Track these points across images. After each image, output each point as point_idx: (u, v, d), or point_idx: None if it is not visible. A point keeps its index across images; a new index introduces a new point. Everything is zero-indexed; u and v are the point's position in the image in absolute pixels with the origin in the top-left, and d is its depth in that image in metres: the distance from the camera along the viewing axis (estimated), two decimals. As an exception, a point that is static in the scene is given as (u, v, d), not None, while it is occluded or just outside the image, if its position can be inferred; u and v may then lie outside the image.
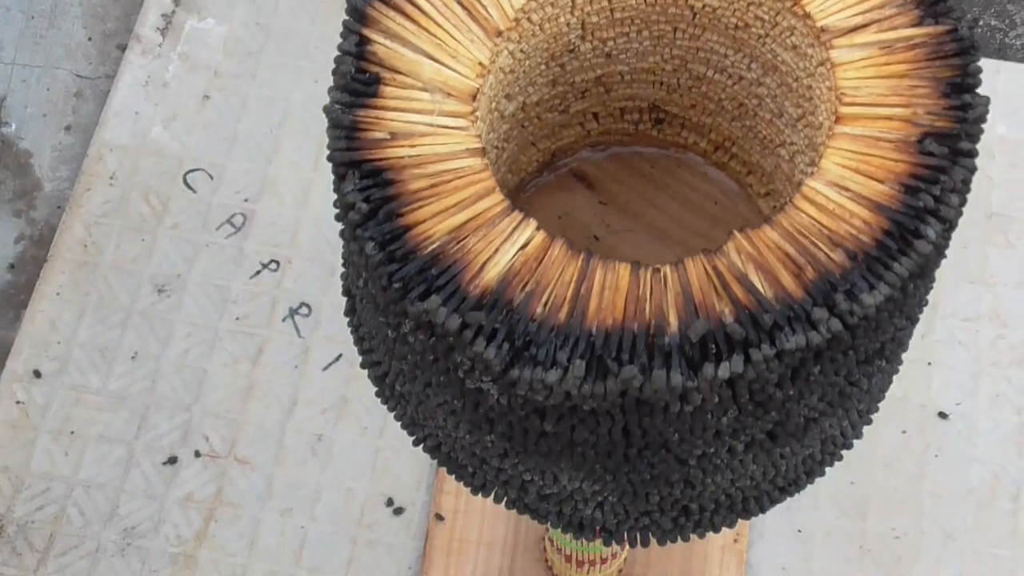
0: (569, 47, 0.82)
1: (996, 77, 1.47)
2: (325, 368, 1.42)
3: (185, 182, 1.53)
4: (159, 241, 1.50)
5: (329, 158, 0.71)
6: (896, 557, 1.30)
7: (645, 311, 0.66)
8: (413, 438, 0.82)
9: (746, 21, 0.79)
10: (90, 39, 1.67)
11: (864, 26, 0.73)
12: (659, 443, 0.69)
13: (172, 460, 1.36)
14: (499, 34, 0.75)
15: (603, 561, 1.19)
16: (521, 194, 0.90)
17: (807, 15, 0.74)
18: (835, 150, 0.70)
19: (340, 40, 0.73)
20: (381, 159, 0.70)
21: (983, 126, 0.69)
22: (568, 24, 0.80)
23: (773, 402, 0.68)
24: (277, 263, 1.48)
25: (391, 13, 0.73)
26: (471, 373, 0.67)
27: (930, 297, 0.76)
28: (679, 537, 0.78)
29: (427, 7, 0.74)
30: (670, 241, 0.89)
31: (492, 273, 0.67)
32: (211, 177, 1.54)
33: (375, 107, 0.71)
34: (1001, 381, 1.39)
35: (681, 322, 0.65)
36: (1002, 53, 1.56)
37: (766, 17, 0.77)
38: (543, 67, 0.82)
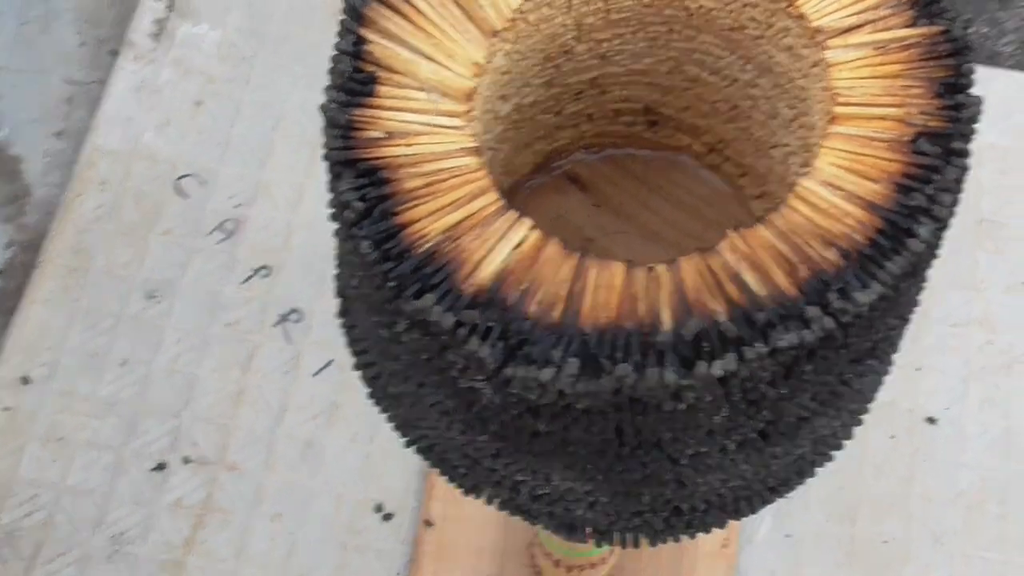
0: (564, 48, 0.82)
1: (987, 84, 1.47)
2: (316, 374, 1.42)
3: (177, 188, 1.53)
4: (150, 247, 1.50)
5: (325, 157, 0.71)
6: (885, 561, 1.30)
7: (639, 310, 0.66)
8: (405, 439, 0.82)
9: (741, 22, 0.79)
10: (82, 44, 1.68)
11: (858, 27, 0.73)
12: (652, 442, 0.69)
13: (161, 466, 1.36)
14: (495, 34, 0.75)
15: (592, 566, 1.19)
16: (515, 196, 0.90)
17: (802, 16, 0.74)
18: (829, 150, 0.70)
19: (337, 40, 0.73)
20: (377, 158, 0.70)
21: (976, 126, 0.70)
22: (564, 25, 0.80)
23: (766, 401, 0.68)
24: (268, 269, 1.48)
25: (388, 13, 0.74)
26: (465, 372, 0.67)
27: (920, 302, 0.77)
28: (670, 538, 0.78)
29: (424, 7, 0.74)
30: (663, 243, 0.89)
31: (487, 272, 0.67)
32: (203, 183, 1.54)
33: (371, 106, 0.71)
34: (990, 386, 1.39)
35: (675, 320, 0.65)
36: (992, 60, 1.57)
37: (761, 18, 0.77)
38: (538, 68, 0.82)
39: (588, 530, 0.78)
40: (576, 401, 0.66)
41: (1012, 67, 1.61)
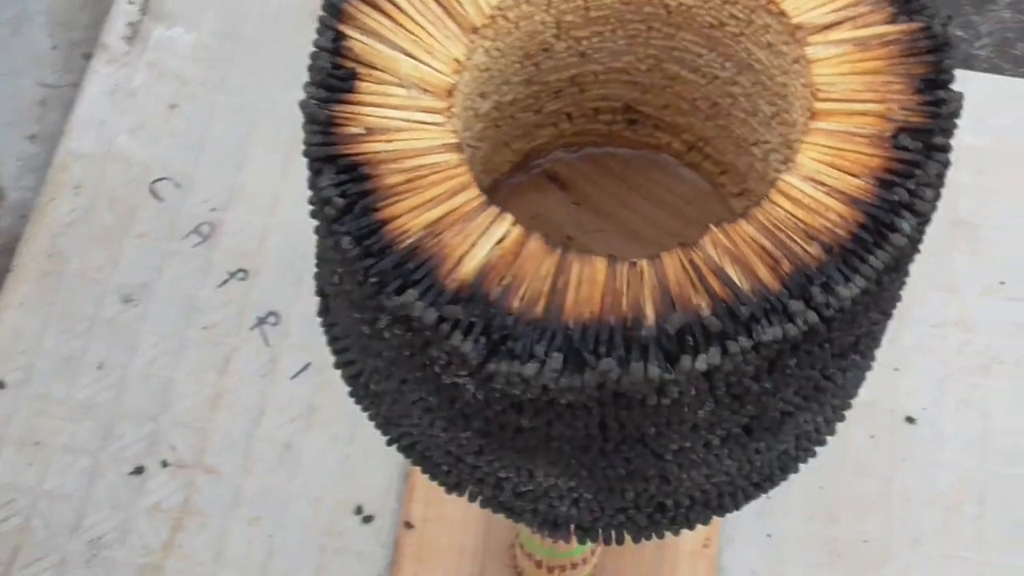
0: (544, 46, 0.82)
1: (963, 87, 1.48)
2: (293, 376, 1.41)
3: (152, 191, 1.52)
4: (125, 250, 1.49)
5: (305, 153, 0.71)
6: (866, 561, 1.31)
7: (622, 304, 0.66)
8: (387, 438, 0.81)
9: (721, 19, 0.79)
10: (55, 48, 1.67)
11: (839, 23, 0.73)
12: (636, 437, 0.69)
13: (139, 470, 1.35)
14: (475, 31, 0.75)
15: (573, 567, 1.19)
16: (494, 195, 0.90)
17: (782, 13, 0.74)
18: (810, 145, 0.70)
19: (316, 36, 0.73)
20: (357, 154, 0.70)
21: (957, 121, 0.70)
22: (543, 22, 0.80)
23: (750, 395, 0.68)
24: (245, 272, 1.47)
25: (367, 9, 0.73)
26: (448, 368, 0.67)
27: (902, 297, 0.77)
28: (654, 534, 0.78)
29: (404, 3, 0.74)
30: (643, 241, 0.89)
31: (469, 267, 0.67)
32: (178, 186, 1.53)
33: (351, 102, 0.71)
34: (967, 387, 1.40)
35: (658, 315, 0.65)
36: (967, 63, 1.58)
37: (741, 15, 0.77)
38: (518, 66, 0.82)
39: (572, 527, 0.77)
40: (560, 396, 0.65)
41: (987, 70, 1.62)
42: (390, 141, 0.71)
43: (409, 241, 0.68)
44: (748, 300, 0.65)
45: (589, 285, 0.67)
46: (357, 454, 1.36)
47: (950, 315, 1.43)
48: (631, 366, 0.64)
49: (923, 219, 0.68)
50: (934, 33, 0.72)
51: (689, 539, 1.28)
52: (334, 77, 0.72)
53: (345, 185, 0.69)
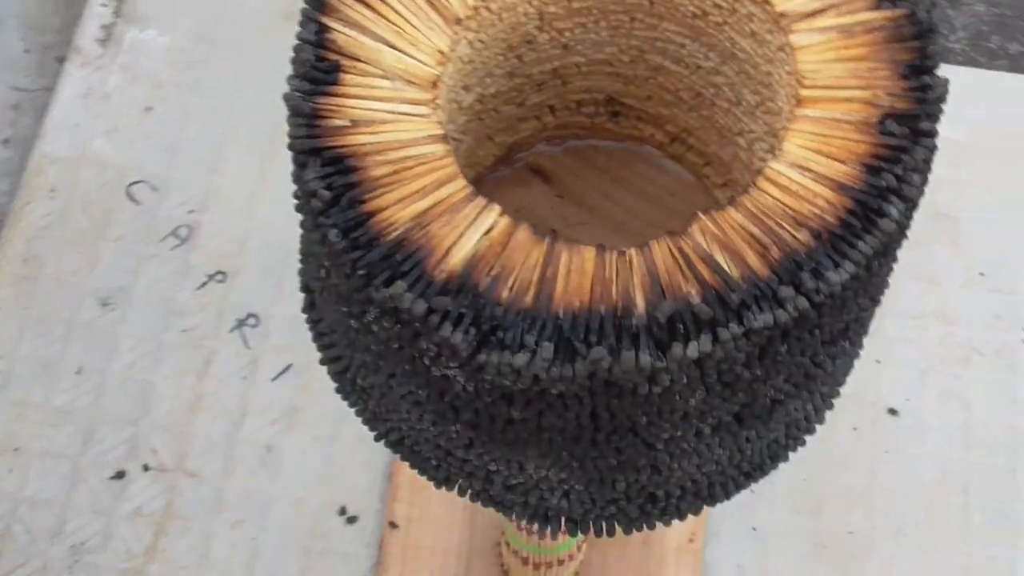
0: (527, 38, 0.82)
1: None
2: (274, 378, 1.40)
3: (128, 194, 1.51)
4: (102, 254, 1.48)
5: (290, 146, 0.70)
6: (851, 553, 1.31)
7: (612, 293, 0.66)
8: (375, 433, 0.81)
9: (704, 9, 0.79)
10: (27, 51, 1.65)
11: (823, 10, 0.73)
12: (627, 427, 0.68)
13: (120, 475, 1.34)
14: (458, 22, 0.74)
15: (560, 563, 1.18)
16: (478, 188, 0.89)
17: (766, 1, 0.74)
18: (796, 133, 0.70)
19: (299, 29, 0.73)
20: (342, 146, 0.69)
21: (943, 106, 0.70)
22: (526, 14, 0.80)
23: (741, 383, 0.67)
24: (224, 274, 1.46)
25: (350, 1, 0.73)
26: (437, 360, 0.67)
27: (889, 284, 0.77)
28: (645, 525, 0.78)
29: (386, -6, 0.73)
30: (628, 233, 0.88)
31: (457, 258, 0.67)
32: (154, 189, 1.52)
33: (335, 95, 0.71)
34: (949, 378, 1.40)
35: (648, 303, 0.65)
36: (943, 57, 1.58)
37: (724, 4, 0.77)
38: (501, 58, 0.81)
39: (563, 519, 0.77)
40: (551, 386, 0.65)
41: (962, 63, 1.63)
42: (375, 133, 0.70)
43: (396, 233, 0.67)
44: (738, 287, 0.65)
45: (578, 274, 0.67)
46: (339, 455, 1.35)
47: (931, 307, 1.43)
48: (622, 354, 0.64)
49: (911, 204, 0.68)
50: (918, 19, 0.72)
51: (675, 534, 1.28)
52: (318, 70, 0.71)
53: (331, 178, 0.68)
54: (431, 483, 0.81)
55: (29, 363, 1.40)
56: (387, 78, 0.72)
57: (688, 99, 0.86)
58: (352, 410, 0.82)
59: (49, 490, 1.33)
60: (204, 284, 1.46)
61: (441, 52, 0.74)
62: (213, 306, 1.44)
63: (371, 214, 0.68)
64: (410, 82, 0.72)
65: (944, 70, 0.73)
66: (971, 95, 1.54)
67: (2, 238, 1.48)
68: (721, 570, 1.30)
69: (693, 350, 0.64)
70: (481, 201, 0.69)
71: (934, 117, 0.69)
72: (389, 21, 0.73)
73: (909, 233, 0.72)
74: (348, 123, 0.70)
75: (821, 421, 0.80)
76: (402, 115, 0.71)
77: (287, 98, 0.70)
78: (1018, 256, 1.48)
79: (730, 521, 1.32)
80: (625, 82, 0.87)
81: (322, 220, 0.67)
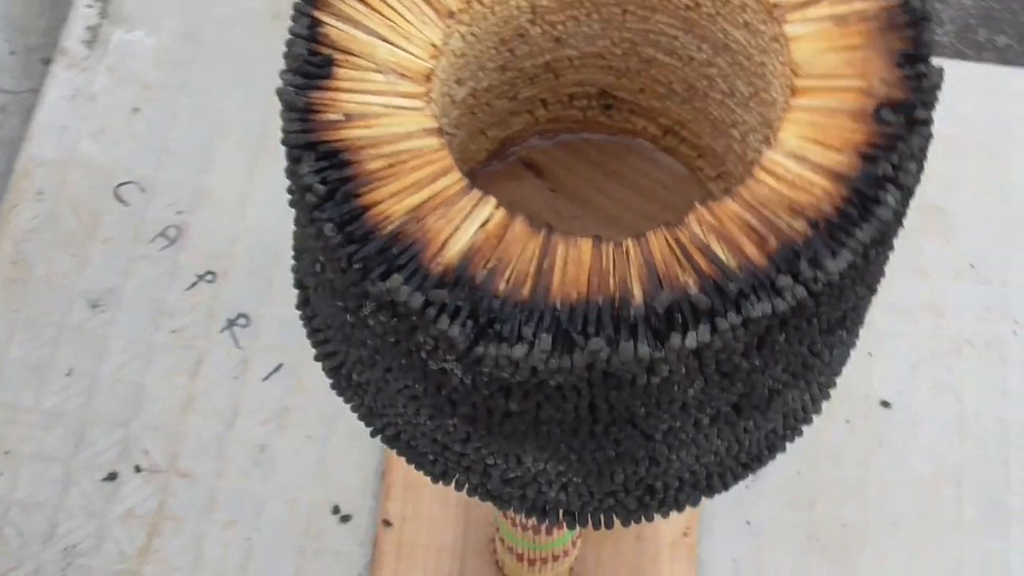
0: (519, 31, 0.81)
1: (924, 73, 1.49)
2: (265, 378, 1.40)
3: (116, 195, 1.51)
4: (91, 256, 1.47)
5: (283, 141, 0.70)
6: (845, 545, 1.31)
7: (609, 284, 0.66)
8: (371, 429, 0.80)
9: (696, 0, 0.79)
10: (13, 53, 1.65)
11: (816, 0, 0.73)
12: (625, 418, 0.68)
13: (112, 476, 1.33)
14: (451, 15, 0.74)
15: (555, 559, 1.18)
16: (471, 183, 0.89)
17: (758, -9, 0.74)
18: (792, 123, 0.70)
19: (291, 24, 0.72)
20: (337, 140, 0.69)
21: (938, 94, 0.70)
22: (518, 7, 0.79)
23: (739, 373, 0.67)
24: (213, 274, 1.46)
25: (342, -6, 0.73)
26: (434, 353, 0.67)
27: (886, 272, 0.77)
28: (644, 517, 0.77)
29: (379, -12, 0.73)
30: (621, 226, 0.88)
31: (454, 251, 0.67)
32: (143, 190, 1.51)
33: (329, 88, 0.71)
34: (941, 370, 1.40)
35: (646, 294, 0.65)
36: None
37: (717, -5, 0.77)
38: (493, 51, 0.81)
39: (560, 512, 0.77)
40: (549, 378, 0.65)
41: (950, 56, 1.63)
42: (369, 127, 0.70)
43: (392, 226, 0.67)
44: (736, 277, 0.65)
45: (575, 266, 0.66)
46: (332, 454, 1.35)
47: (921, 300, 1.43)
48: (621, 345, 0.63)
49: (907, 192, 0.68)
50: (912, 7, 0.72)
51: (669, 529, 1.28)
52: (311, 64, 0.71)
53: (325, 172, 0.68)
54: (427, 479, 0.80)
55: (19, 366, 1.39)
56: (380, 72, 0.72)
57: (681, 91, 0.86)
58: (347, 407, 0.82)
59: (41, 493, 1.32)
60: (194, 284, 1.45)
61: (434, 46, 0.73)
62: (203, 306, 1.44)
63: (366, 208, 0.67)
64: (403, 76, 0.72)
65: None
66: (959, 88, 1.54)
67: (-10, 241, 1.47)
68: (716, 564, 1.30)
69: (692, 340, 0.64)
70: (476, 194, 0.69)
71: (929, 105, 0.69)
72: (381, 15, 0.73)
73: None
74: (342, 117, 0.70)
75: (818, 411, 0.80)
76: (396, 109, 0.71)
77: (280, 93, 0.70)
78: (1007, 248, 1.48)
79: (724, 515, 1.32)
80: (618, 75, 0.87)
81: (317, 215, 0.67)
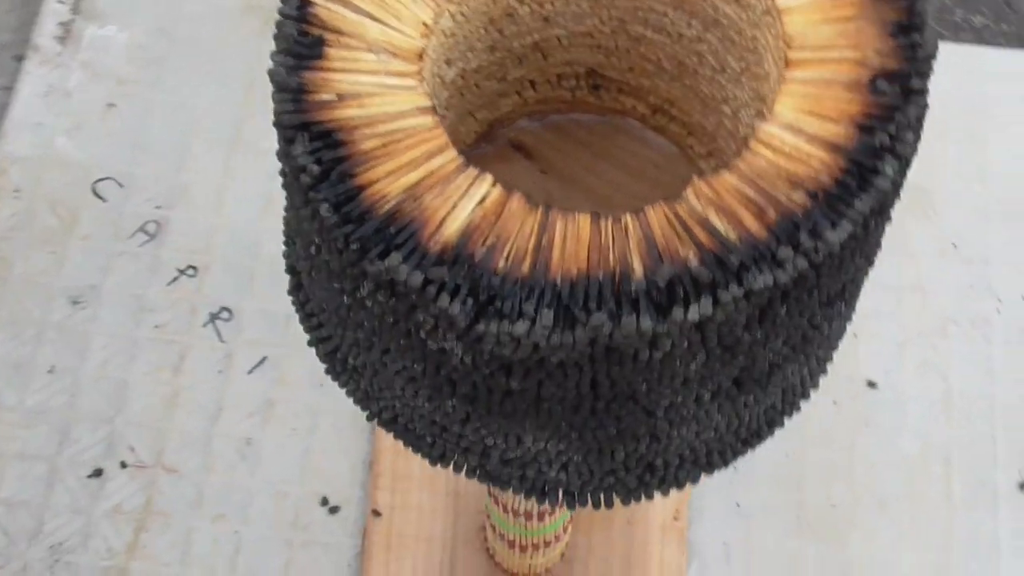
0: (508, 10, 0.81)
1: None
2: (250, 371, 1.39)
3: (94, 192, 1.49)
4: (70, 253, 1.46)
5: (276, 123, 0.69)
6: (833, 526, 1.31)
7: (609, 259, 0.65)
8: (367, 413, 0.80)
9: (686, -25, 0.78)
10: (-15, 50, 1.63)
11: (807, -28, 0.73)
12: (627, 394, 0.68)
13: (97, 473, 1.32)
14: (441, -7, 0.74)
15: (547, 545, 1.18)
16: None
17: (749, -36, 0.74)
18: (787, 95, 0.70)
19: (281, 5, 0.72)
20: (330, 120, 0.69)
21: (933, 63, 0.70)
22: (507, -15, 0.79)
23: (741, 346, 0.67)
24: (195, 269, 1.45)
25: (332, -26, 0.72)
26: (434, 332, 0.66)
27: (882, 245, 0.77)
28: (644, 495, 0.77)
29: (369, -34, 0.72)
30: (612, 207, 0.88)
31: (452, 229, 0.66)
32: (121, 186, 1.50)
33: (320, 69, 0.70)
34: (927, 349, 1.40)
35: (646, 268, 0.65)
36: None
37: (707, -31, 0.77)
38: (482, 31, 0.81)
39: (560, 492, 0.76)
40: (551, 355, 0.64)
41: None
42: (362, 106, 0.69)
43: (389, 205, 0.66)
44: (736, 249, 0.65)
45: (574, 242, 0.66)
46: (319, 445, 1.34)
47: (906, 279, 1.44)
48: (623, 320, 0.63)
49: (904, 162, 0.68)
50: (904, -22, 0.72)
51: (659, 512, 1.28)
52: (301, 44, 0.71)
53: (320, 152, 0.67)
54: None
55: (1, 365, 1.38)
56: (372, 51, 0.71)
57: (670, 69, 0.85)
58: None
59: (26, 491, 1.31)
60: (175, 279, 1.44)
61: (425, 24, 0.73)
62: (185, 301, 1.43)
63: (362, 187, 0.67)
64: (395, 55, 0.71)
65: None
66: (936, 69, 1.53)
67: (-33, 239, 1.46)
68: (706, 547, 1.30)
69: (694, 313, 0.63)
70: (473, 172, 0.68)
71: (924, 75, 0.69)
72: (372, -6, 0.72)
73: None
74: (334, 97, 0.69)
75: (816, 386, 0.79)
76: (389, 88, 0.70)
77: (272, 74, 0.70)
78: (988, 227, 1.48)
79: (714, 498, 1.32)
80: (606, 54, 0.86)
81: (312, 195, 0.67)
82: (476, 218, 0.67)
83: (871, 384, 1.38)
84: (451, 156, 0.69)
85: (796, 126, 0.69)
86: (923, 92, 0.69)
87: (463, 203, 0.67)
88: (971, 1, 1.67)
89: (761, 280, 0.64)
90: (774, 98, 0.71)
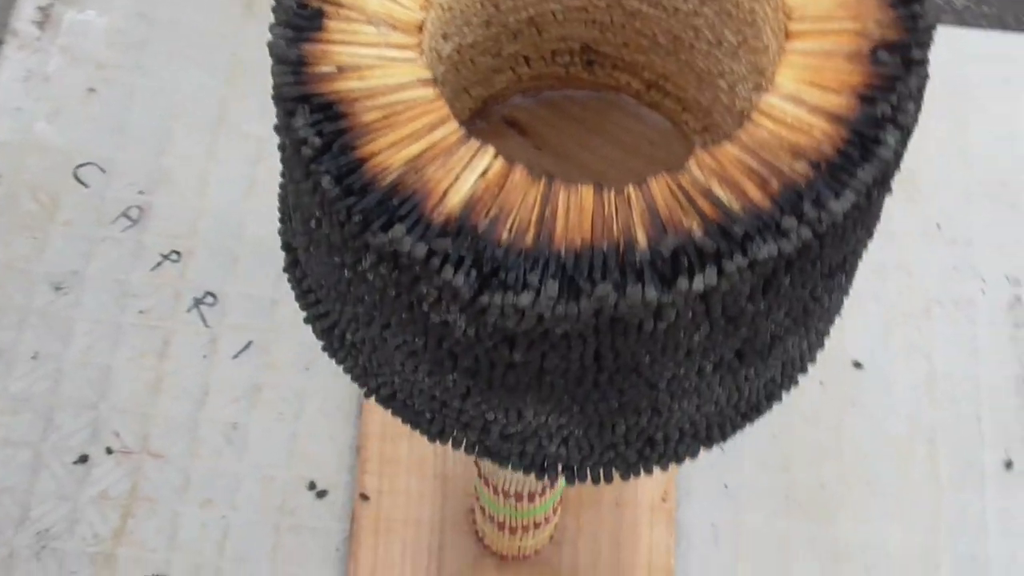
0: (504, -16, 0.81)
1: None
2: (235, 356, 1.38)
3: (76, 177, 1.48)
4: (51, 238, 1.45)
5: (275, 96, 0.69)
6: (822, 506, 1.31)
7: (613, 230, 0.65)
8: (365, 389, 0.79)
9: (683, -52, 0.78)
10: (-36, 36, 1.62)
11: (807, -57, 0.73)
12: (630, 366, 0.68)
13: (83, 459, 1.31)
14: (439, -34, 0.73)
15: (536, 526, 1.18)
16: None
17: (748, -64, 0.74)
18: (788, 66, 0.70)
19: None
20: (330, 92, 0.68)
21: (933, 34, 0.70)
22: (504, -41, 0.79)
23: (744, 317, 0.67)
24: (178, 254, 1.44)
25: (330, -55, 0.71)
26: (437, 304, 0.66)
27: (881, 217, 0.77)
28: (644, 470, 0.77)
29: (367, -63, 0.72)
30: (607, 183, 0.87)
31: (455, 200, 0.66)
32: (103, 171, 1.49)
33: (320, 41, 0.70)
34: (911, 330, 1.41)
35: (650, 239, 0.65)
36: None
37: (705, -59, 0.77)
38: (479, 6, 0.80)
39: (560, 467, 0.76)
40: (555, 326, 0.64)
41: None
42: (363, 79, 0.69)
43: (391, 177, 0.66)
44: (740, 219, 0.65)
45: (577, 212, 0.66)
46: (305, 429, 1.34)
47: (889, 260, 1.44)
48: (628, 290, 0.63)
49: (906, 132, 0.68)
50: (903, -51, 0.72)
51: (647, 494, 1.28)
52: (300, 16, 0.70)
53: (321, 124, 0.67)
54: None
55: (-18, 351, 1.37)
56: (371, 23, 0.71)
57: (666, 43, 0.85)
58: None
59: (11, 478, 1.30)
60: (159, 264, 1.43)
61: (423, -3, 0.72)
62: (169, 286, 1.42)
63: (364, 159, 0.66)
64: (394, 27, 0.71)
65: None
66: (919, 51, 1.55)
67: (-53, 225, 1.44)
68: (695, 528, 1.30)
69: (698, 283, 0.63)
70: (475, 143, 0.68)
71: (925, 45, 0.69)
72: (370, -34, 0.72)
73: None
74: (334, 70, 0.69)
75: (814, 360, 0.80)
76: (389, 60, 0.70)
77: (271, 46, 0.69)
78: (971, 208, 1.49)
79: (701, 479, 1.32)
80: (601, 29, 0.86)
81: (314, 168, 0.66)
82: (479, 190, 0.66)
83: (857, 364, 1.38)
84: (453, 128, 0.68)
85: (797, 97, 0.68)
86: (924, 62, 0.69)
87: (466, 175, 0.67)
88: (953, -16, 1.67)
89: (765, 250, 0.64)
90: (774, 70, 0.70)
